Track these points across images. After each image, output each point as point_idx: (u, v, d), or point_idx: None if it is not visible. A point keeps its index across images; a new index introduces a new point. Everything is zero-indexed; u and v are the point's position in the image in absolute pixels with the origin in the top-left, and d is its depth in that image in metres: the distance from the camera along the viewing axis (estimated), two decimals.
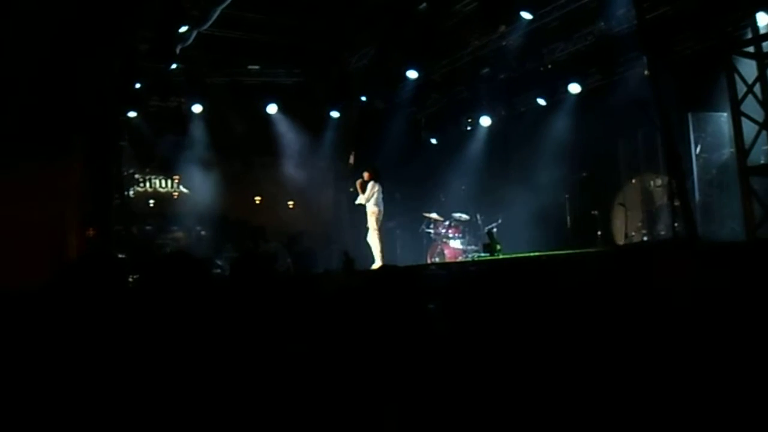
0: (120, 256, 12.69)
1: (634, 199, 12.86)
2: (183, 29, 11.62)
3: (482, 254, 13.18)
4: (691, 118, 10.97)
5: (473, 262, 12.19)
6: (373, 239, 11.99)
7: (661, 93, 8.91)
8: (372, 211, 12.06)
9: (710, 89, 10.65)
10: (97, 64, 12.98)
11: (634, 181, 13.01)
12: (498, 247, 13.04)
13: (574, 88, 13.14)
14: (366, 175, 12.21)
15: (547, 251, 11.52)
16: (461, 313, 2.62)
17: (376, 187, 12.07)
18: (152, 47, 12.38)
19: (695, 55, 11.04)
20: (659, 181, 12.19)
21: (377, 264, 11.79)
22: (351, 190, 12.54)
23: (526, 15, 11.74)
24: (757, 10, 9.15)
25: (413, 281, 2.73)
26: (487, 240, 13.35)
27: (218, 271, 12.43)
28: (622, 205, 12.79)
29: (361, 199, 12.13)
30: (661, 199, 12.09)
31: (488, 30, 12.87)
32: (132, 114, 14.12)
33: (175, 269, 2.42)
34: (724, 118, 10.73)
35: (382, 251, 11.87)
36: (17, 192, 12.61)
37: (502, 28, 12.55)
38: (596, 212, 13.36)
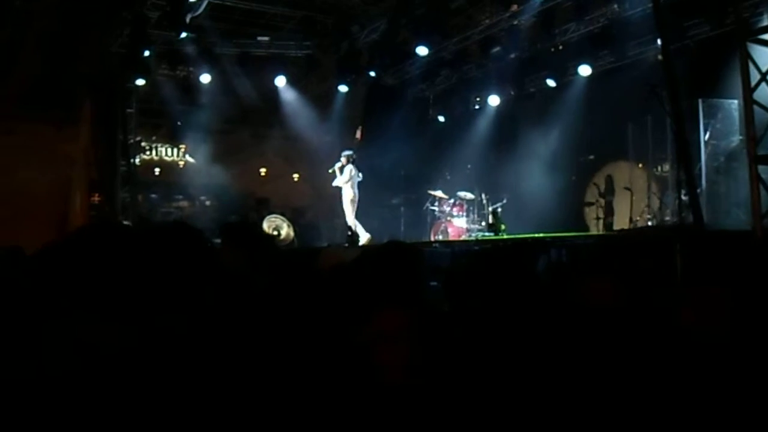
0: (125, 222, 12.81)
1: (640, 184, 12.88)
2: None
3: (486, 233, 13.23)
4: (702, 104, 10.88)
5: (477, 241, 12.25)
6: (352, 220, 12.55)
7: (673, 78, 8.84)
8: (348, 194, 12.54)
9: (722, 76, 10.59)
10: (106, 30, 13.12)
11: (641, 165, 13.03)
12: (503, 227, 13.13)
13: (585, 70, 13.03)
14: (344, 159, 12.62)
15: (551, 233, 11.52)
16: (463, 291, 2.55)
17: (353, 171, 12.52)
18: (162, 15, 12.41)
19: (708, 40, 10.98)
20: (666, 167, 12.19)
21: (364, 238, 12.34)
22: (330, 171, 12.83)
23: None
24: None
25: (417, 258, 2.70)
26: (491, 219, 13.42)
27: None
28: (629, 189, 12.78)
29: (338, 182, 12.59)
30: (667, 185, 12.11)
31: (500, 9, 12.76)
32: (140, 82, 14.13)
33: (173, 239, 2.35)
34: (734, 105, 10.69)
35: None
36: (25, 155, 12.82)
37: (514, 7, 12.44)
38: (602, 196, 13.38)
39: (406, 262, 2.57)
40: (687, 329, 2.08)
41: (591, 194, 13.80)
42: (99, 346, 1.81)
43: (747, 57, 8.70)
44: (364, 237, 12.50)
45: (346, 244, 12.21)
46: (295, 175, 17.95)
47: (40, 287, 2.13)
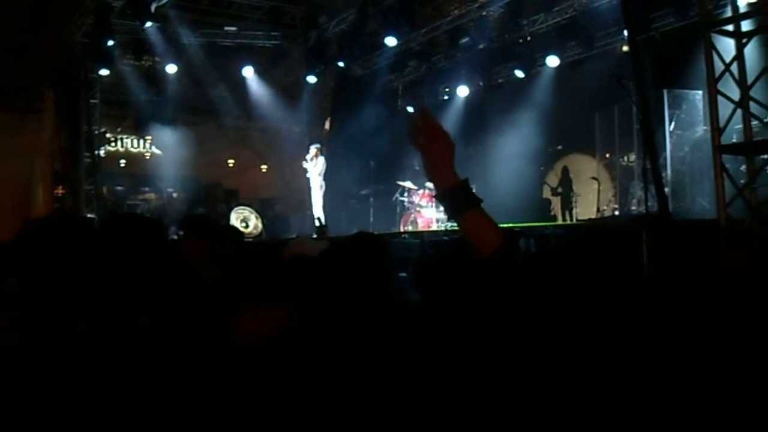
0: (89, 216, 12.67)
1: (606, 174, 13.05)
2: None
3: (455, 224, 13.17)
4: (667, 95, 11.05)
5: (446, 231, 12.28)
6: (320, 211, 13.10)
7: (640, 69, 8.86)
8: (319, 185, 13.00)
9: (686, 67, 10.69)
10: (69, 19, 12.99)
11: (608, 155, 13.13)
12: None
13: (553, 61, 13.17)
14: (314, 150, 12.93)
15: (520, 222, 11.58)
16: (432, 281, 2.56)
17: (323, 162, 12.93)
18: (126, 4, 12.33)
19: (673, 32, 11.17)
20: (632, 157, 12.33)
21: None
22: (304, 167, 13.13)
23: None
24: None
25: (385, 248, 2.67)
26: None
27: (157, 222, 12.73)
28: (595, 179, 12.86)
29: (309, 174, 13.04)
30: (633, 175, 12.22)
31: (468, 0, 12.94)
32: (104, 72, 14.07)
33: (129, 230, 2.33)
34: (699, 96, 10.89)
35: None
36: None
37: None
38: (570, 186, 13.55)
39: (373, 252, 2.54)
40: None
41: (559, 183, 13.98)
42: (60, 339, 1.81)
43: (711, 47, 8.92)
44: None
45: (315, 236, 12.17)
46: (264, 167, 18.06)
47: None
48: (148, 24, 12.92)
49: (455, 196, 1.89)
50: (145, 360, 1.79)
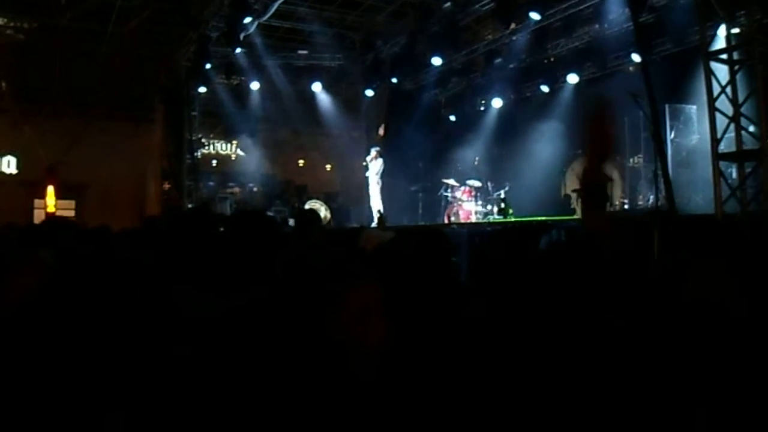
0: (189, 205, 14.04)
1: (618, 173, 13.60)
2: (247, 20, 12.64)
3: (496, 216, 13.73)
4: (668, 108, 11.65)
5: (489, 223, 12.79)
6: (379, 204, 13.31)
7: (651, 85, 9.20)
8: (377, 182, 13.28)
9: (683, 85, 11.35)
10: (177, 48, 14.22)
11: (618, 158, 13.53)
12: (510, 211, 13.68)
13: (573, 78, 13.64)
14: (374, 152, 13.25)
15: (544, 216, 12.13)
16: (485, 266, 2.56)
17: (381, 163, 13.21)
18: (221, 34, 13.36)
19: (670, 56, 11.66)
20: (639, 160, 12.99)
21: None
22: (363, 164, 13.34)
23: (535, 15, 12.15)
24: (721, 23, 9.74)
25: (442, 237, 2.66)
26: (500, 204, 13.93)
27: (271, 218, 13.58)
28: (609, 178, 13.91)
29: (370, 173, 13.24)
30: (640, 175, 12.88)
31: (501, 26, 13.41)
32: (202, 89, 15.11)
33: (254, 225, 2.43)
34: (693, 109, 11.49)
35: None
36: (114, 149, 14.23)
37: (513, 25, 13.13)
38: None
39: (437, 242, 2.54)
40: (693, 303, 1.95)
41: (573, 181, 14.16)
42: (203, 318, 1.84)
43: (710, 73, 9.27)
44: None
45: (374, 225, 12.52)
46: (328, 166, 18.67)
47: (157, 265, 2.30)
48: (238, 50, 13.87)
49: (599, 192, 1.98)
50: (264, 330, 1.76)
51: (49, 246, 2.88)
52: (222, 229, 2.46)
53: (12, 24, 13.28)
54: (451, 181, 14.65)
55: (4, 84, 13.76)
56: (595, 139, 2.01)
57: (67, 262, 2.39)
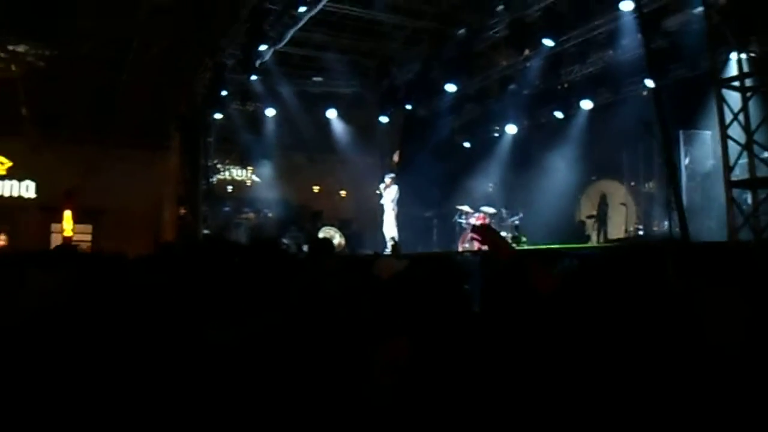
0: (205, 231, 14.19)
1: (632, 200, 13.78)
2: (262, 48, 12.81)
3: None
4: (682, 134, 11.68)
5: None
6: (394, 231, 13.22)
7: (664, 112, 9.35)
8: (392, 209, 13.19)
9: (696, 111, 11.35)
10: (193, 75, 14.43)
11: (633, 184, 13.88)
12: (523, 239, 13.74)
13: (587, 104, 13.85)
14: (389, 179, 13.22)
15: (561, 243, 12.18)
16: (492, 294, 2.58)
17: (396, 190, 13.18)
18: (237, 62, 13.57)
19: (683, 81, 11.67)
20: (652, 185, 13.04)
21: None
22: (377, 192, 13.34)
23: (548, 42, 12.21)
24: (733, 50, 9.66)
25: (455, 266, 2.73)
26: (513, 232, 14.03)
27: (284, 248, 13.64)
28: (624, 205, 13.70)
29: (384, 200, 13.20)
30: (653, 200, 12.90)
31: (515, 53, 13.49)
32: (218, 116, 15.29)
33: (267, 254, 2.51)
34: (708, 135, 11.43)
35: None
36: (131, 174, 14.41)
37: (527, 51, 13.23)
38: (606, 210, 14.15)
39: (450, 270, 2.61)
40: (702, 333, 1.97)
41: (594, 209, 14.40)
42: (220, 345, 1.87)
43: (722, 100, 9.21)
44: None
45: (387, 251, 12.51)
46: (342, 192, 18.71)
47: (173, 293, 2.33)
48: (254, 77, 14.04)
49: (516, 261, 2.18)
50: (280, 356, 1.81)
51: (58, 271, 2.94)
52: (237, 260, 2.52)
53: (33, 51, 13.57)
54: (466, 208, 14.66)
55: (24, 110, 14.02)
56: (486, 243, 2.23)
57: (84, 289, 2.46)
